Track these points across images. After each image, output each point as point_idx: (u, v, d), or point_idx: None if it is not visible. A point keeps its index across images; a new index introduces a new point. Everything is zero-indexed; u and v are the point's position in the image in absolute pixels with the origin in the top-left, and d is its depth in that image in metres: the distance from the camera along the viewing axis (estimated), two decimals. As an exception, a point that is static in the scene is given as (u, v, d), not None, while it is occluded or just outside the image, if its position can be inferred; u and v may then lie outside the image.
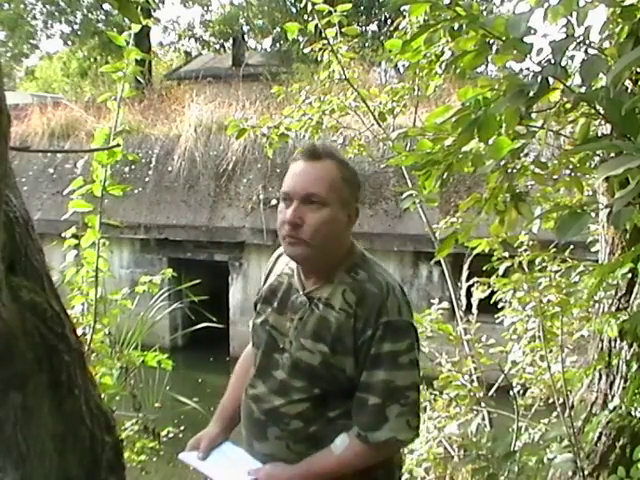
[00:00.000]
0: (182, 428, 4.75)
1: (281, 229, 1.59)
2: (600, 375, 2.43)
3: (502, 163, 1.75)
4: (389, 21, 16.35)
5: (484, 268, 2.92)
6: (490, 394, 3.33)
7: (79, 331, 2.45)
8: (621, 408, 2.22)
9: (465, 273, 3.61)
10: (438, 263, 3.66)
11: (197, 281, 4.48)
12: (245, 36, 22.23)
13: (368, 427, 1.54)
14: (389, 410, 1.52)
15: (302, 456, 1.59)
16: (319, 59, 3.98)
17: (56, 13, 19.75)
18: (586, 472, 2.31)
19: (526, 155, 1.93)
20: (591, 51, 1.48)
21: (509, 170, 1.80)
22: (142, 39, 14.96)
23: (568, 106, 1.55)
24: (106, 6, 18.35)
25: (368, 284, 1.58)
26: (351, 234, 1.67)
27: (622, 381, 2.32)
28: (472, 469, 3.01)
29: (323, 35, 3.67)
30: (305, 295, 1.64)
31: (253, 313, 1.80)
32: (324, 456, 1.58)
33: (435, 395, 3.42)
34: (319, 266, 1.62)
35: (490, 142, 1.56)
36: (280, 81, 11.16)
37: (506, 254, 2.85)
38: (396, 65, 11.16)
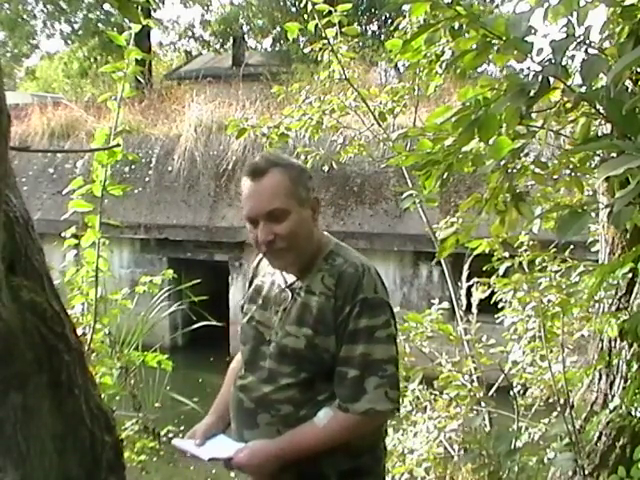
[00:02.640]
0: (182, 428, 4.75)
1: (259, 248, 1.70)
2: (600, 375, 2.43)
3: (502, 163, 1.74)
4: (389, 21, 16.34)
5: (484, 268, 2.92)
6: (490, 394, 3.33)
7: (79, 331, 2.45)
8: (621, 408, 2.22)
9: (465, 273, 3.61)
10: (438, 263, 3.67)
11: (197, 281, 4.48)
12: (245, 36, 22.22)
13: (348, 399, 1.60)
14: (367, 382, 1.59)
15: None
16: (319, 59, 3.98)
17: (56, 13, 19.74)
18: (586, 472, 2.31)
19: (526, 155, 1.93)
20: (591, 51, 1.48)
21: (509, 170, 1.79)
22: (142, 39, 14.94)
23: (568, 106, 1.55)
24: (106, 6, 18.35)
25: (344, 266, 1.66)
26: (318, 226, 1.77)
27: (622, 381, 2.32)
28: (472, 468, 3.01)
29: (323, 35, 3.67)
30: (287, 287, 1.74)
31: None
32: (307, 428, 1.63)
33: (435, 395, 3.42)
34: (302, 263, 1.71)
35: (490, 142, 1.56)
36: (280, 81, 11.15)
37: (506, 254, 2.85)
38: (396, 65, 11.17)
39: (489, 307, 3.23)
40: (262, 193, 1.64)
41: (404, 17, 3.53)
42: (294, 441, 1.63)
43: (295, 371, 1.66)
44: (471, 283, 3.44)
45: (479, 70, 1.80)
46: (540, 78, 1.37)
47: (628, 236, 2.37)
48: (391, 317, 1.66)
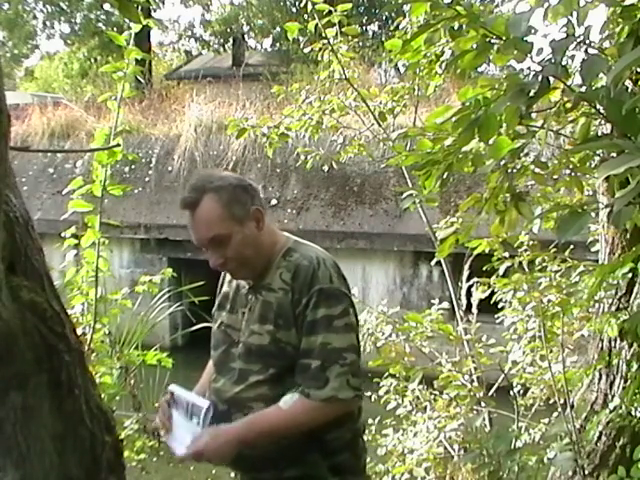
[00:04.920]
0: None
1: (214, 268, 1.77)
2: (600, 375, 2.43)
3: (502, 163, 1.75)
4: (389, 21, 16.34)
5: (484, 268, 2.92)
6: (490, 394, 3.33)
7: (79, 331, 2.45)
8: (621, 408, 2.22)
9: (465, 273, 3.61)
10: (438, 263, 3.66)
11: (200, 283, 4.47)
12: (245, 36, 22.21)
13: (311, 387, 1.64)
14: (329, 371, 1.63)
15: None
16: (319, 59, 3.98)
17: (56, 13, 19.73)
18: (586, 472, 2.31)
19: (526, 155, 1.93)
20: (591, 51, 1.48)
21: (509, 170, 1.79)
22: (142, 39, 14.94)
23: (568, 106, 1.55)
24: (106, 6, 18.35)
25: (300, 260, 1.71)
26: (268, 229, 1.79)
27: (622, 381, 2.32)
28: (472, 468, 3.01)
29: (323, 35, 3.67)
30: (251, 288, 1.79)
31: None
32: (271, 412, 1.66)
33: (435, 395, 3.42)
34: (259, 269, 1.76)
35: (490, 142, 1.56)
36: (280, 81, 11.16)
37: (506, 254, 2.85)
38: (396, 65, 11.16)
39: (489, 307, 3.23)
40: (199, 224, 1.69)
41: (404, 17, 3.53)
42: (255, 422, 1.66)
43: (263, 368, 1.70)
44: (471, 283, 3.43)
45: (479, 70, 1.80)
46: (540, 78, 1.37)
47: (628, 236, 2.37)
48: (349, 306, 1.69)
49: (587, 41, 1.46)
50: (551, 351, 2.86)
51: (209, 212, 1.67)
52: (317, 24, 3.57)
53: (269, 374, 1.69)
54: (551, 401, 3.03)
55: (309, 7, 3.46)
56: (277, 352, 1.68)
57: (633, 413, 2.18)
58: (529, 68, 1.48)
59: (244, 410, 1.70)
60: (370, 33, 17.74)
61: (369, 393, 3.68)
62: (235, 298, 1.84)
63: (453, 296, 3.90)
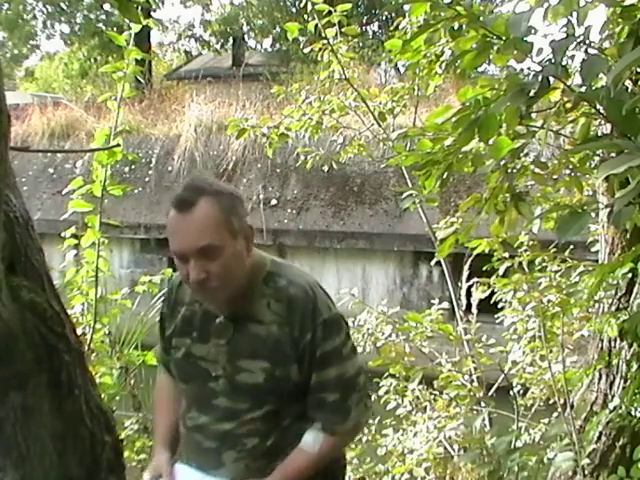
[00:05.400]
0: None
1: (189, 286, 1.55)
2: (600, 375, 2.43)
3: (502, 163, 1.75)
4: (389, 21, 16.34)
5: (484, 268, 2.92)
6: (490, 394, 3.33)
7: (79, 331, 2.45)
8: (621, 408, 2.22)
9: (465, 273, 3.61)
10: (438, 263, 3.66)
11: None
12: (245, 36, 22.20)
13: (336, 422, 1.58)
14: (350, 401, 1.58)
15: (263, 472, 1.57)
16: (319, 59, 3.98)
17: (56, 13, 19.74)
18: (586, 472, 2.31)
19: (526, 155, 1.93)
20: (591, 51, 1.48)
21: (509, 170, 1.79)
22: (142, 39, 14.94)
23: (568, 106, 1.55)
24: (106, 6, 18.34)
25: (292, 289, 1.56)
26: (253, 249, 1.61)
27: (622, 381, 2.32)
28: (472, 468, 3.01)
29: (323, 35, 3.67)
30: (227, 318, 1.59)
31: (159, 341, 1.76)
32: (299, 458, 1.58)
33: (435, 395, 3.42)
34: (236, 295, 1.57)
35: (490, 142, 1.56)
36: (280, 81, 11.16)
37: (506, 254, 2.85)
38: (396, 65, 11.17)
39: (489, 307, 3.23)
40: (191, 228, 1.47)
41: (404, 17, 3.53)
42: (288, 475, 1.57)
43: (256, 405, 1.58)
44: (471, 283, 3.44)
45: (479, 70, 1.80)
46: (540, 78, 1.37)
47: (628, 236, 2.37)
48: (347, 327, 1.63)
49: (587, 41, 1.46)
50: (551, 351, 2.86)
51: (205, 217, 1.47)
52: (317, 24, 3.58)
53: (264, 411, 1.57)
54: (551, 401, 3.03)
55: (309, 7, 3.46)
56: (274, 389, 1.56)
57: (633, 413, 2.18)
58: (529, 68, 1.48)
59: (237, 447, 1.58)
60: (370, 33, 17.73)
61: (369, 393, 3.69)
62: (205, 326, 1.62)
63: (453, 296, 3.91)
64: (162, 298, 1.80)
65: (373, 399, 3.64)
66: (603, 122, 2.12)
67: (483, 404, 3.17)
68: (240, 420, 1.58)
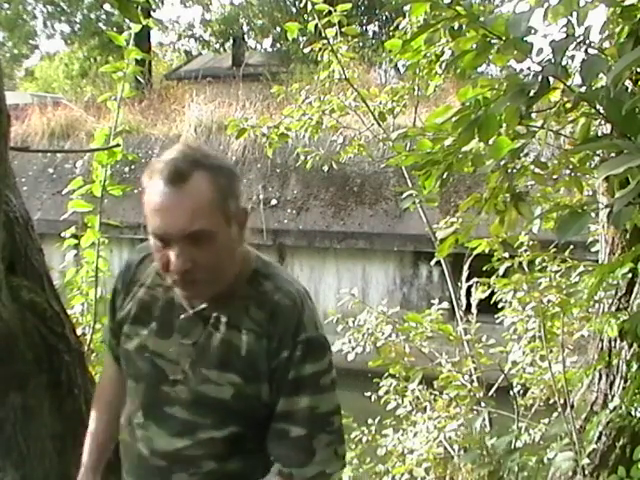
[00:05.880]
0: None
1: (169, 275, 1.27)
2: (600, 375, 2.43)
3: (502, 163, 1.75)
4: (390, 21, 16.34)
5: (484, 268, 2.92)
6: (490, 394, 3.33)
7: (79, 331, 2.44)
8: (621, 408, 2.22)
9: (465, 273, 3.61)
10: (438, 263, 3.66)
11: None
12: (245, 36, 22.22)
13: (294, 463, 1.31)
14: (316, 441, 1.31)
15: None
16: (319, 59, 3.98)
17: (56, 13, 19.75)
18: (586, 472, 2.31)
19: (526, 155, 1.93)
20: (591, 51, 1.48)
21: (509, 170, 1.79)
22: (142, 39, 14.94)
23: (568, 106, 1.55)
24: (106, 6, 18.35)
25: (278, 296, 1.32)
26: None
27: (622, 381, 2.32)
28: (472, 468, 3.01)
29: (323, 35, 3.67)
30: (196, 314, 1.34)
31: (108, 328, 1.52)
32: None
33: (435, 395, 3.42)
34: (214, 289, 1.32)
35: (490, 142, 1.56)
36: (280, 81, 11.16)
37: (506, 254, 2.85)
38: (396, 65, 11.17)
39: (489, 307, 3.23)
40: (182, 207, 1.21)
41: (404, 17, 3.53)
42: None
43: (219, 424, 1.32)
44: (471, 283, 3.43)
45: (479, 70, 1.80)
46: (540, 78, 1.37)
47: (628, 236, 2.37)
48: (331, 354, 1.37)
49: (587, 41, 1.46)
50: (551, 351, 2.86)
51: (200, 195, 1.21)
52: (317, 24, 3.58)
53: (228, 432, 1.32)
54: (551, 401, 3.03)
55: (309, 7, 3.46)
56: (242, 408, 1.32)
57: (633, 413, 2.18)
58: (529, 68, 1.48)
59: (190, 469, 1.33)
60: (370, 33, 17.73)
61: (369, 393, 3.69)
62: (167, 318, 1.37)
63: (453, 296, 3.90)
64: (117, 274, 1.52)
65: (373, 399, 3.64)
66: (603, 122, 2.12)
67: (483, 404, 3.17)
68: (197, 438, 1.33)
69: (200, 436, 1.32)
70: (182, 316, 1.35)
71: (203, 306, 1.34)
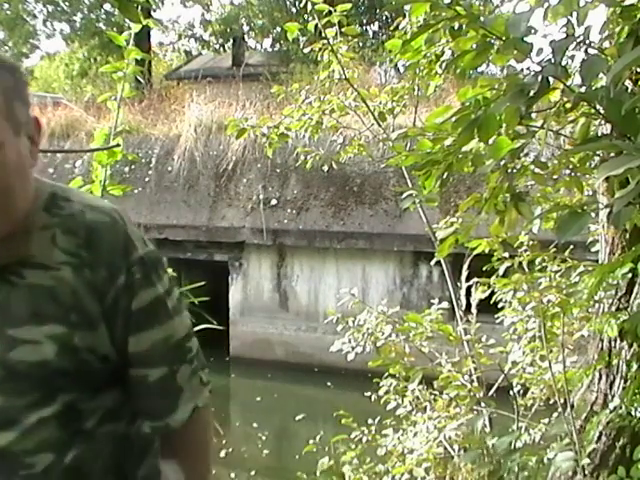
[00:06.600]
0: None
1: None
2: (600, 375, 2.43)
3: (502, 163, 1.75)
4: (390, 21, 16.35)
5: (484, 268, 2.92)
6: (490, 394, 3.33)
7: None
8: (621, 408, 2.22)
9: (465, 273, 3.61)
10: (438, 263, 3.66)
11: (200, 283, 4.47)
12: (245, 36, 22.23)
13: (164, 412, 1.14)
14: (180, 376, 1.13)
15: None
16: (319, 59, 3.98)
17: (56, 13, 19.77)
18: (586, 471, 2.31)
19: (526, 155, 1.93)
20: (591, 51, 1.48)
21: (509, 170, 1.79)
22: (142, 39, 14.95)
23: (568, 106, 1.55)
24: (106, 6, 18.36)
25: (90, 215, 1.09)
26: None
27: (622, 381, 2.32)
28: (472, 468, 3.01)
29: (323, 35, 3.67)
30: None
31: None
32: None
33: (435, 395, 3.42)
34: (5, 225, 1.04)
35: (490, 142, 1.56)
36: (280, 81, 11.16)
37: (506, 254, 2.85)
38: (396, 65, 11.17)
39: (489, 307, 3.23)
40: None
41: (404, 17, 3.53)
42: None
43: (45, 397, 1.05)
44: (471, 283, 3.44)
45: (479, 70, 1.80)
46: (540, 78, 1.37)
47: (628, 236, 2.37)
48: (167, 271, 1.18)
49: (587, 41, 1.46)
50: (551, 351, 2.86)
51: None
52: (317, 24, 3.58)
53: (58, 406, 1.05)
54: (551, 401, 3.03)
55: (309, 7, 3.47)
56: (72, 368, 1.05)
57: (633, 413, 2.18)
58: (529, 68, 1.48)
59: (21, 470, 1.05)
60: (370, 33, 17.75)
61: (369, 393, 3.69)
62: None
63: (453, 296, 3.90)
64: None
65: (373, 399, 3.64)
66: (603, 122, 2.12)
67: (483, 404, 3.17)
68: (22, 426, 1.05)
69: (25, 422, 1.05)
70: None
71: None
